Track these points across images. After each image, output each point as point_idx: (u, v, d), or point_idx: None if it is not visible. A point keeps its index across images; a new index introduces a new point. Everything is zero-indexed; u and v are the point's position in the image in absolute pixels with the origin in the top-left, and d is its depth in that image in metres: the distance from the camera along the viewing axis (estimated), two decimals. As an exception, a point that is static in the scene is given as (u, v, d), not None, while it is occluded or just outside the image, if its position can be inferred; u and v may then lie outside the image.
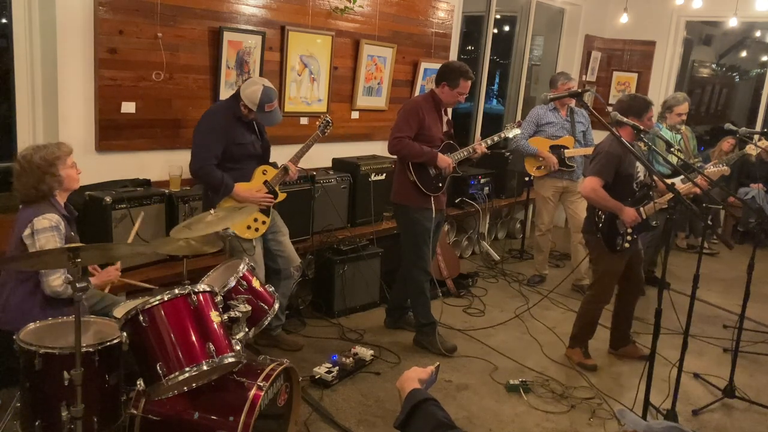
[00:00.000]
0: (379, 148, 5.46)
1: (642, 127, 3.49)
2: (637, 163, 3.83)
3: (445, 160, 3.96)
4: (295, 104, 4.66)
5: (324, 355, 3.91)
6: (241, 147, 3.58)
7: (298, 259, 3.97)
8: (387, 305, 4.54)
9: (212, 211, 2.98)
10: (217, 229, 2.93)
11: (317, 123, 3.87)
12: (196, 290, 2.54)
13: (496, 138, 4.23)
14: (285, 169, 3.73)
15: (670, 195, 3.58)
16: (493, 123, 7.76)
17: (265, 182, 3.69)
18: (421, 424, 1.56)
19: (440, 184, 4.06)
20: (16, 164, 2.80)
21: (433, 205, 4.01)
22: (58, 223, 2.75)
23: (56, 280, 2.73)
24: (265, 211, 3.70)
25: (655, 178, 3.73)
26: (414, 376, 1.72)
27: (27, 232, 2.71)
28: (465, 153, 4.07)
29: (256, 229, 3.67)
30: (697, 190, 3.89)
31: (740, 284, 3.80)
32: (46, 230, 2.71)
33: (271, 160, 3.80)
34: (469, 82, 3.96)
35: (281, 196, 3.77)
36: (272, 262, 3.86)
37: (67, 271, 2.78)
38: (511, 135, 4.35)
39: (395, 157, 4.07)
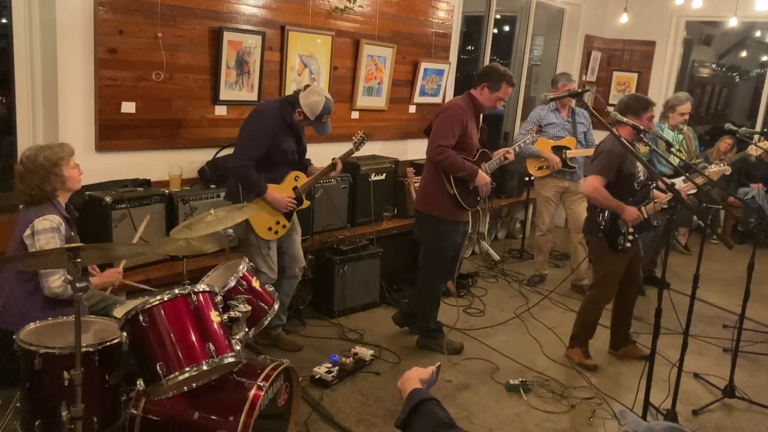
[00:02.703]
0: (379, 148, 5.46)
1: (642, 127, 3.49)
2: (638, 163, 3.83)
3: (485, 179, 3.82)
4: (295, 104, 4.66)
5: (324, 355, 3.91)
6: (282, 153, 3.64)
7: (304, 260, 3.99)
8: (403, 307, 4.39)
9: (212, 211, 2.99)
10: (217, 229, 2.94)
11: (353, 138, 3.94)
12: (196, 290, 2.54)
13: (522, 144, 4.24)
14: (333, 165, 3.81)
15: (670, 195, 3.59)
16: (494, 123, 7.76)
17: (294, 188, 3.75)
18: (423, 423, 1.56)
19: (478, 198, 3.94)
20: (19, 165, 2.81)
21: (469, 218, 3.93)
22: (59, 225, 2.76)
23: (56, 282, 2.74)
24: (288, 215, 3.76)
25: (656, 178, 3.73)
26: (415, 376, 1.72)
27: (27, 232, 2.72)
28: (497, 162, 3.99)
29: (276, 232, 3.73)
30: (694, 189, 3.90)
31: (740, 284, 3.80)
32: (47, 231, 2.71)
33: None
34: (511, 89, 3.84)
35: (305, 204, 3.85)
36: (278, 258, 3.86)
37: (66, 272, 2.79)
38: (532, 140, 4.41)
39: (427, 161, 3.92)
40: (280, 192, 3.67)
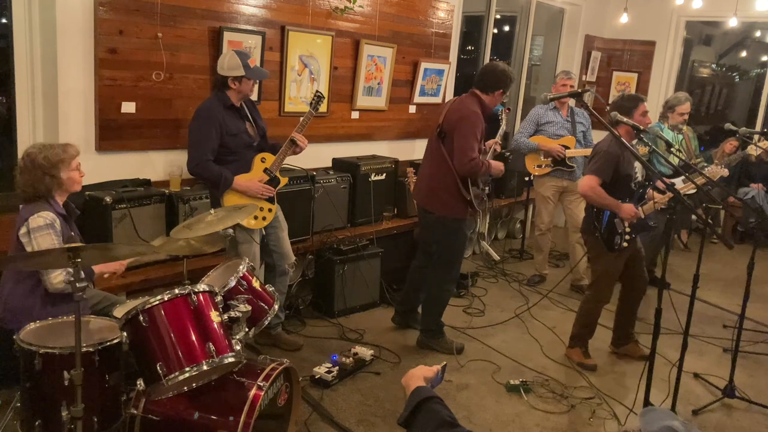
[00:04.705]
0: (378, 148, 5.46)
1: (642, 127, 3.49)
2: (636, 164, 3.83)
3: (498, 165, 3.96)
4: (295, 104, 4.66)
5: (324, 355, 3.92)
6: (235, 138, 3.57)
7: (293, 256, 3.96)
8: (397, 306, 4.50)
9: (212, 211, 2.98)
10: (217, 229, 2.94)
11: (310, 101, 3.73)
12: (196, 290, 2.54)
13: (501, 132, 4.29)
14: (292, 141, 3.65)
15: (669, 195, 3.59)
16: (494, 123, 7.76)
17: (266, 170, 3.66)
18: (425, 421, 1.56)
19: (485, 198, 4.07)
20: (20, 160, 2.82)
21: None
22: (53, 221, 2.75)
23: (58, 277, 2.74)
24: (270, 199, 3.70)
25: (655, 178, 3.72)
26: (419, 374, 1.71)
27: (23, 230, 2.72)
28: (492, 155, 4.08)
29: (264, 218, 3.68)
30: (693, 189, 3.91)
31: (740, 284, 3.80)
32: (42, 228, 2.71)
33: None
34: None
35: (283, 181, 3.75)
36: (267, 257, 3.86)
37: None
38: (504, 122, 4.39)
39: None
40: (251, 179, 3.60)
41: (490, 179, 4.07)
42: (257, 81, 3.73)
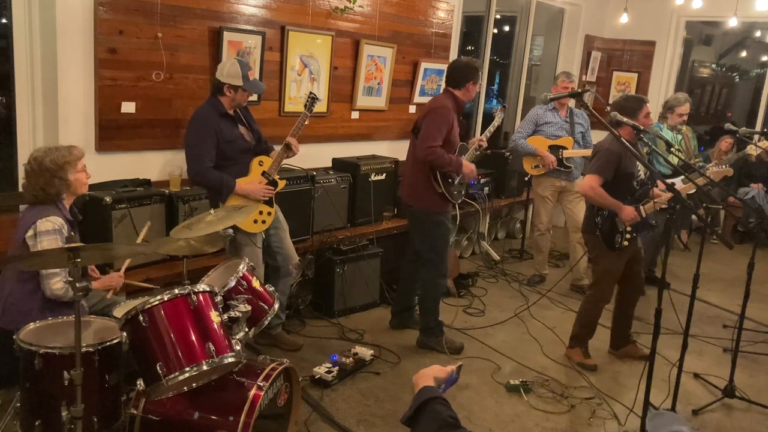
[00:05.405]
0: (379, 148, 5.46)
1: (642, 127, 3.49)
2: (638, 162, 3.83)
3: (469, 167, 4.00)
4: (295, 104, 4.66)
5: (324, 355, 3.91)
6: (232, 144, 3.57)
7: (297, 257, 3.97)
8: (393, 307, 4.54)
9: (212, 211, 2.98)
10: (217, 229, 2.94)
11: (304, 103, 3.75)
12: (196, 290, 2.54)
13: (491, 129, 4.31)
14: (287, 146, 3.67)
15: (669, 194, 3.59)
16: (489, 120, 7.76)
17: (263, 173, 3.66)
18: (427, 421, 1.56)
19: (462, 192, 4.15)
20: (27, 165, 2.82)
21: (457, 210, 4.09)
22: (61, 227, 2.76)
23: (57, 283, 2.74)
24: (269, 202, 3.70)
25: (656, 178, 3.73)
26: (430, 373, 1.71)
27: (30, 233, 2.72)
28: (475, 151, 4.16)
29: (263, 221, 3.68)
30: (693, 188, 3.91)
31: (740, 284, 3.80)
32: (49, 233, 2.71)
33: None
34: None
35: (281, 184, 3.75)
36: (271, 260, 3.86)
37: (67, 273, 2.79)
38: (498, 121, 4.38)
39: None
40: (251, 182, 3.60)
41: (460, 177, 4.07)
42: (252, 93, 3.75)
